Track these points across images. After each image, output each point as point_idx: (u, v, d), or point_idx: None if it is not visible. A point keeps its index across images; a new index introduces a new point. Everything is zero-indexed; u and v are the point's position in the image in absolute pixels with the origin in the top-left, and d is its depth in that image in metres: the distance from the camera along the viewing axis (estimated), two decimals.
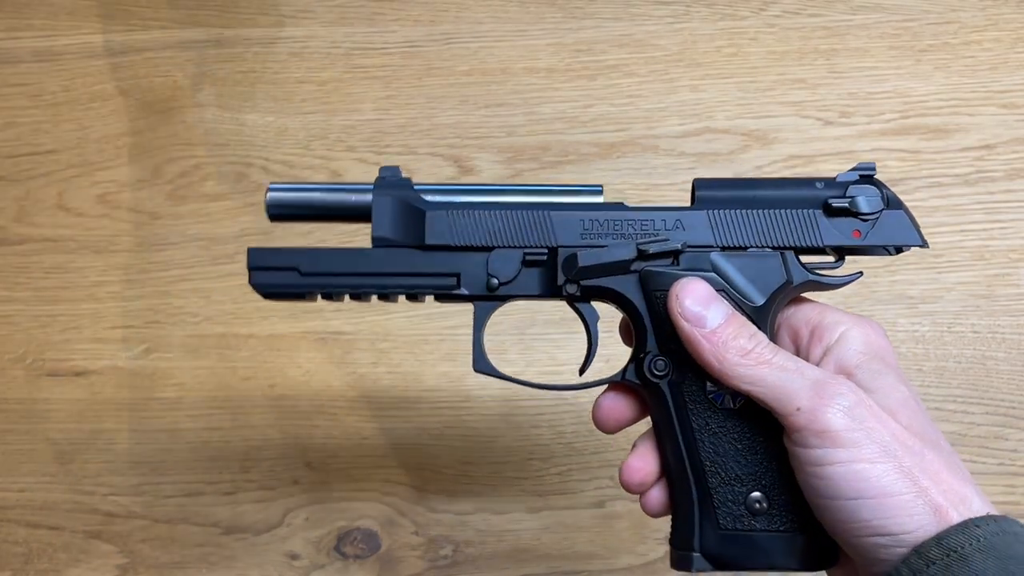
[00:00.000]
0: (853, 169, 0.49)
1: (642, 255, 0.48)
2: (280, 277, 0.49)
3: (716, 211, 0.48)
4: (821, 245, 0.48)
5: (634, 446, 0.50)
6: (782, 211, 0.48)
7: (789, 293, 0.48)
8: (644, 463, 0.49)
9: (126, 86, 0.82)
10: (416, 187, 0.50)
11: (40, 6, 0.85)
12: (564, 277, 0.48)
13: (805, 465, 0.42)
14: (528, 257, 0.49)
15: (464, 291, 0.49)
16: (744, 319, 0.45)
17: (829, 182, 0.49)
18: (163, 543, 0.73)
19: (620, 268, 0.48)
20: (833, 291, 0.49)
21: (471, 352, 0.50)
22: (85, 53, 0.83)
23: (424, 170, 0.79)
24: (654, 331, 0.48)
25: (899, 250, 0.48)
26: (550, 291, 0.49)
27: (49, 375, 0.77)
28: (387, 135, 0.80)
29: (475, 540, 0.73)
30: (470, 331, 0.76)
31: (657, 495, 0.49)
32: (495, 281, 0.49)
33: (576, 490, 0.73)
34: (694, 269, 0.47)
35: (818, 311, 0.48)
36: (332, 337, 0.76)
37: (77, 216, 0.80)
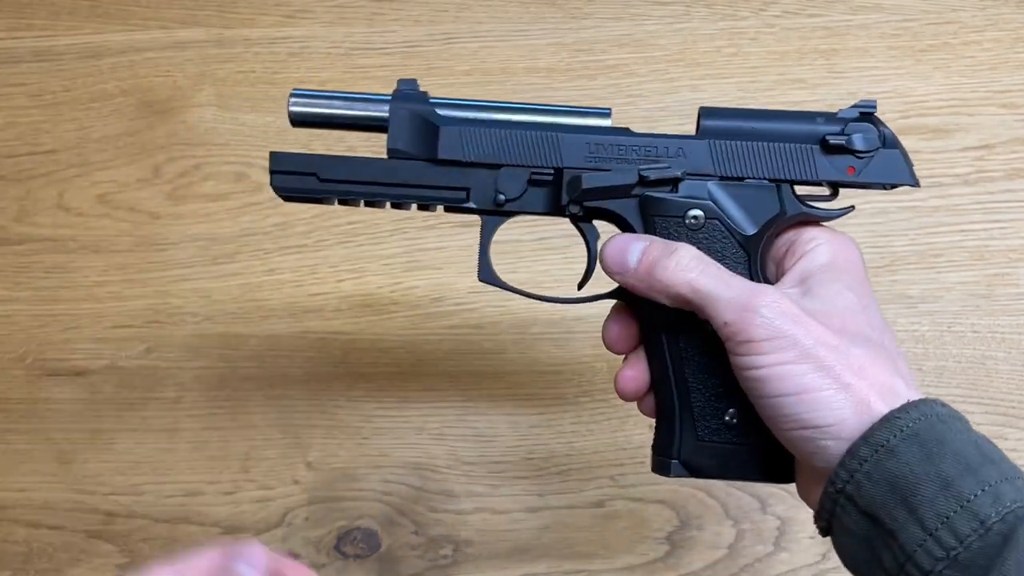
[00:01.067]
0: (855, 106, 0.50)
1: (643, 181, 0.49)
2: (299, 182, 0.51)
3: (717, 141, 0.50)
4: (816, 180, 0.50)
5: (626, 357, 0.52)
6: (781, 144, 0.50)
7: (781, 224, 0.50)
8: (637, 372, 0.51)
9: (126, 86, 0.82)
10: (432, 101, 0.52)
11: (40, 6, 0.85)
12: (568, 197, 0.50)
13: (737, 369, 0.45)
14: (534, 176, 0.51)
15: (472, 205, 0.51)
16: (665, 241, 0.48)
17: (830, 117, 0.50)
18: (163, 543, 0.74)
19: (622, 192, 0.50)
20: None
21: (477, 263, 0.53)
22: (85, 53, 0.83)
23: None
24: None
25: (894, 186, 0.50)
26: (554, 210, 0.51)
27: (49, 375, 0.77)
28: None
29: (475, 540, 0.73)
30: (470, 330, 0.76)
31: (652, 402, 0.52)
32: (502, 197, 0.51)
33: (576, 490, 0.73)
34: (692, 197, 0.49)
35: (796, 230, 0.50)
36: (332, 337, 0.76)
37: (77, 216, 0.80)
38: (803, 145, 0.49)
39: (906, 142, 0.79)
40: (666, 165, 0.49)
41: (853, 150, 0.49)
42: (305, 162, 0.51)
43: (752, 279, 0.48)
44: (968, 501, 0.39)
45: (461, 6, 0.83)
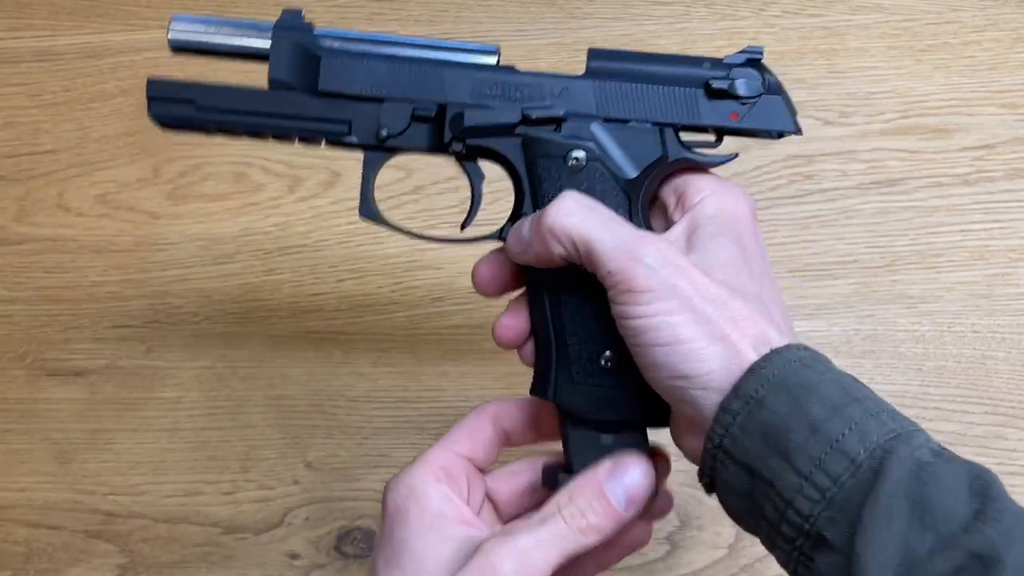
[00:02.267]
0: (742, 51, 0.50)
1: (526, 120, 0.49)
2: (177, 109, 0.51)
3: (603, 82, 0.49)
4: (699, 124, 0.49)
5: (508, 305, 0.53)
6: (665, 88, 0.49)
7: (664, 168, 0.49)
8: (516, 321, 0.52)
9: (126, 86, 0.82)
10: (316, 32, 0.52)
11: (40, 6, 0.85)
12: (450, 135, 0.49)
13: (617, 317, 0.45)
14: (417, 112, 0.50)
15: (354, 139, 0.50)
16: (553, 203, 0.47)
17: (716, 62, 0.50)
18: (163, 543, 0.73)
19: (504, 130, 0.49)
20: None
21: (359, 201, 0.52)
22: (85, 53, 0.83)
23: (423, 170, 0.79)
24: (531, 194, 0.49)
25: (780, 135, 0.50)
26: (437, 147, 0.50)
27: (49, 375, 0.77)
28: None
29: None
30: (470, 330, 0.76)
31: (531, 350, 0.52)
32: (384, 132, 0.50)
33: None
34: (575, 137, 0.49)
35: (684, 179, 0.50)
36: (332, 337, 0.76)
37: (77, 216, 0.80)
38: (687, 89, 0.49)
39: (906, 142, 0.79)
40: (549, 104, 0.49)
41: (736, 95, 0.49)
42: (182, 90, 0.51)
43: (632, 223, 0.48)
44: (837, 441, 0.39)
45: (461, 6, 0.83)
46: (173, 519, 0.74)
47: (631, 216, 0.49)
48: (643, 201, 0.49)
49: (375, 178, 0.52)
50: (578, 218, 0.45)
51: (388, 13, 0.83)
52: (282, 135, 0.51)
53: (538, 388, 0.51)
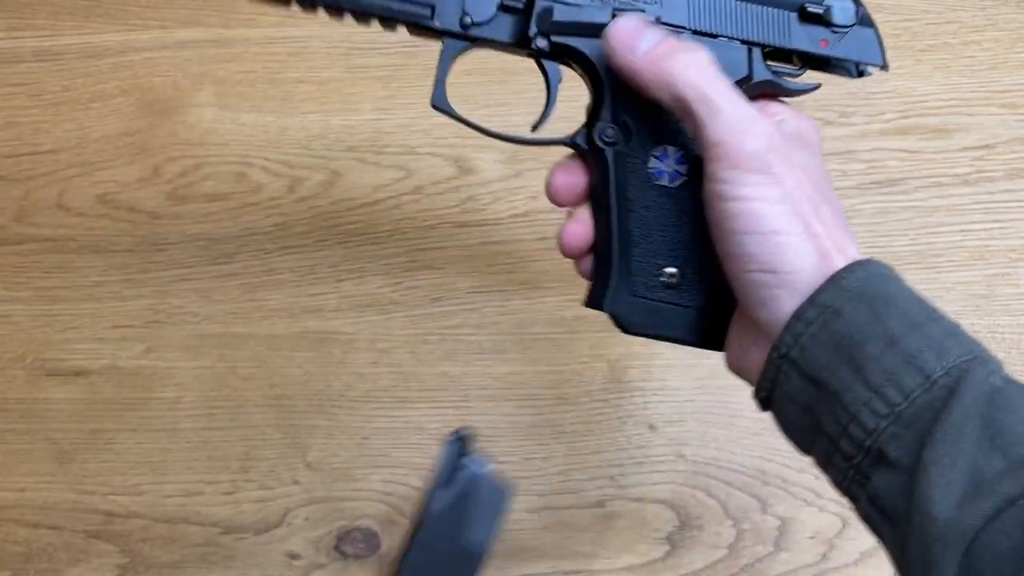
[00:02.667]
0: None
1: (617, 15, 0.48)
2: None
3: None
4: (789, 47, 0.49)
5: (573, 213, 0.51)
6: (759, 7, 0.49)
7: (747, 90, 0.48)
8: (584, 228, 0.51)
9: (126, 86, 0.82)
10: None
11: (40, 6, 0.85)
12: (536, 29, 0.49)
13: (712, 197, 0.44)
14: (506, 2, 0.49)
15: (437, 24, 0.49)
16: (682, 39, 0.46)
17: None
18: (163, 543, 0.73)
19: (592, 31, 0.48)
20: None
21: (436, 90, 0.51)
22: (85, 53, 0.83)
23: (423, 170, 0.79)
24: (611, 101, 0.49)
25: (861, 73, 0.50)
26: (520, 41, 0.49)
27: (49, 375, 0.77)
28: (387, 135, 0.80)
29: None
30: (470, 330, 0.76)
31: (591, 262, 0.51)
32: (469, 19, 0.49)
33: (576, 490, 0.73)
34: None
35: (762, 104, 0.49)
36: (332, 337, 0.76)
37: (77, 216, 0.80)
38: (781, 11, 0.49)
39: (906, 142, 0.79)
40: (641, 8, 0.48)
41: (830, 22, 0.48)
42: None
43: None
44: (913, 356, 0.38)
45: None
46: (173, 519, 0.74)
47: None
48: None
49: (450, 68, 0.51)
50: (708, 76, 0.44)
51: None
52: (362, 13, 0.50)
53: (593, 299, 0.50)
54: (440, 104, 0.52)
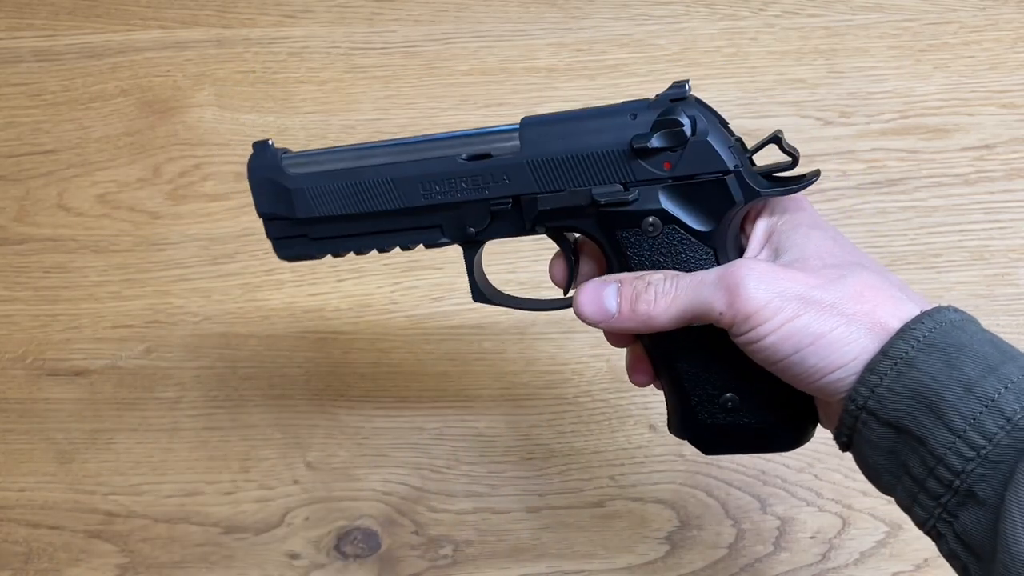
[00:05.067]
0: (669, 88, 0.49)
1: (595, 204, 0.50)
2: (296, 246, 0.55)
3: (534, 159, 0.50)
4: (636, 181, 0.49)
5: (631, 353, 0.55)
6: (595, 153, 0.49)
7: (742, 210, 0.49)
8: (644, 365, 0.54)
9: (126, 86, 0.82)
10: (284, 157, 0.54)
11: (40, 6, 0.85)
12: (530, 222, 0.52)
13: (749, 347, 0.45)
14: (494, 208, 0.52)
15: (447, 240, 0.54)
16: (632, 276, 0.49)
17: (642, 106, 0.49)
18: (163, 543, 0.74)
19: (579, 212, 0.50)
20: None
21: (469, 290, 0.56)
22: (85, 53, 0.83)
23: None
24: (619, 262, 0.51)
25: (727, 173, 0.49)
26: (523, 231, 0.53)
27: (49, 375, 0.77)
28: (387, 135, 0.80)
29: (475, 540, 0.73)
30: (470, 330, 0.76)
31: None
32: (472, 231, 0.53)
33: (576, 490, 0.73)
34: (645, 206, 0.49)
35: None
36: (332, 337, 0.76)
37: (77, 216, 0.80)
38: (617, 150, 0.49)
39: (906, 142, 0.79)
40: (618, 188, 0.49)
41: (661, 149, 0.48)
42: (294, 227, 0.54)
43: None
44: (992, 400, 0.39)
45: (461, 6, 0.83)
46: (173, 519, 0.74)
47: (719, 263, 0.48)
48: (729, 245, 0.49)
49: (476, 265, 0.55)
50: (674, 293, 0.47)
51: (388, 13, 0.83)
52: (384, 248, 0.54)
53: (672, 427, 0.53)
54: (481, 300, 0.56)
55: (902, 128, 0.79)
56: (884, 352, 0.42)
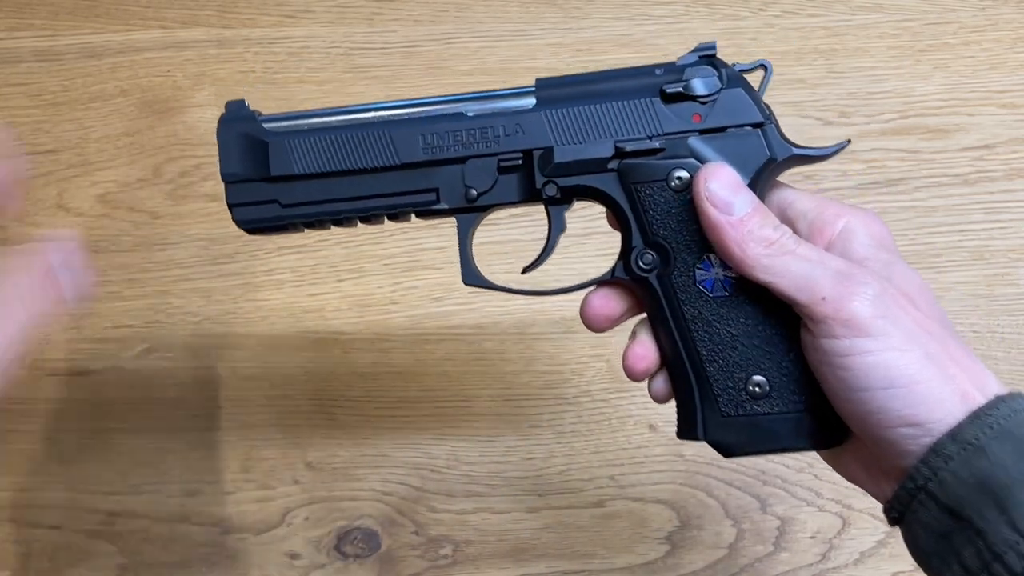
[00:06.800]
0: (694, 50, 0.48)
1: (620, 153, 0.47)
2: (262, 211, 0.50)
3: (551, 110, 0.48)
4: (662, 132, 0.47)
5: (634, 333, 0.50)
6: (620, 102, 0.48)
7: (776, 169, 0.47)
8: (646, 350, 0.49)
9: (126, 86, 0.82)
10: (262, 118, 0.50)
11: (40, 6, 0.85)
12: (542, 177, 0.48)
13: (831, 357, 0.41)
14: (503, 164, 0.48)
15: (444, 205, 0.49)
16: (767, 209, 0.45)
17: (669, 66, 0.48)
18: (163, 543, 0.73)
19: (598, 166, 0.48)
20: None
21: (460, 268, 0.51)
22: (85, 53, 0.83)
23: None
24: (637, 225, 0.48)
25: (756, 126, 0.47)
26: (529, 195, 0.49)
27: (49, 375, 0.77)
28: None
29: (475, 540, 0.73)
30: (470, 330, 0.76)
31: (661, 382, 0.49)
32: (473, 192, 0.49)
33: (576, 490, 0.73)
34: (674, 157, 0.47)
35: (815, 204, 0.47)
36: (332, 337, 0.76)
37: (77, 216, 0.80)
38: (643, 99, 0.47)
39: (906, 142, 0.79)
40: (642, 136, 0.47)
41: (694, 96, 0.47)
42: (264, 191, 0.49)
43: None
44: None
45: (461, 6, 0.83)
46: (173, 519, 0.74)
47: None
48: None
49: (471, 241, 0.51)
50: (780, 252, 0.42)
51: (388, 13, 0.83)
52: (370, 217, 0.50)
53: (685, 429, 0.48)
54: (472, 281, 0.51)
55: (902, 128, 0.79)
56: (953, 435, 0.39)
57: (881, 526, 0.71)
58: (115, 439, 0.75)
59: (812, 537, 0.72)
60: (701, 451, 0.73)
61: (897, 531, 0.72)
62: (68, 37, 0.84)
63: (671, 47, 0.81)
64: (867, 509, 0.72)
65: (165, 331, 0.77)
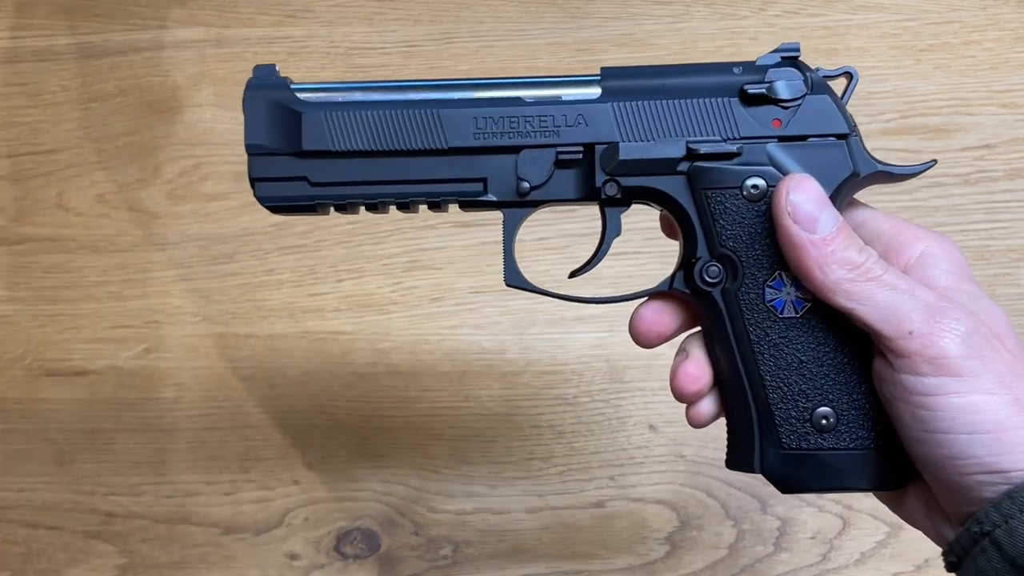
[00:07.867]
0: (775, 51, 0.45)
1: (691, 155, 0.44)
2: (289, 189, 0.46)
3: (621, 103, 0.44)
4: (737, 136, 0.44)
5: (686, 351, 0.46)
6: (695, 100, 0.44)
7: (856, 186, 0.44)
8: (700, 371, 0.45)
9: (126, 86, 0.82)
10: (294, 87, 0.46)
11: (41, 6, 0.84)
12: (604, 175, 0.44)
13: (913, 395, 0.38)
14: (561, 156, 0.45)
15: (492, 197, 0.45)
16: (852, 230, 0.42)
17: (749, 65, 0.45)
18: (163, 543, 0.73)
19: (667, 166, 0.44)
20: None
21: (503, 267, 0.47)
22: (85, 53, 0.83)
23: None
24: (704, 235, 0.44)
25: (839, 136, 0.44)
26: (587, 194, 0.45)
27: (49, 375, 0.77)
28: None
29: (475, 540, 0.73)
30: (470, 330, 0.76)
31: (708, 406, 0.46)
32: (526, 185, 0.45)
33: (576, 490, 0.73)
34: (750, 164, 0.43)
35: (891, 224, 0.44)
36: (332, 337, 0.76)
37: (77, 216, 0.80)
38: (719, 99, 0.44)
39: (906, 142, 0.79)
40: (716, 138, 0.44)
41: (776, 99, 0.44)
42: (292, 166, 0.45)
43: None
44: None
45: (461, 6, 0.83)
46: (172, 519, 0.74)
47: None
48: None
49: (516, 238, 0.47)
50: (866, 278, 0.39)
51: (388, 13, 0.83)
52: (408, 203, 0.46)
53: (738, 459, 0.44)
54: (515, 282, 0.47)
55: (903, 128, 0.78)
56: None
57: (882, 526, 0.71)
58: (115, 439, 0.75)
59: (812, 537, 0.72)
60: (701, 451, 0.73)
61: (897, 531, 0.72)
62: (68, 37, 0.84)
63: (671, 47, 0.81)
64: (867, 510, 0.71)
65: (165, 331, 0.77)
